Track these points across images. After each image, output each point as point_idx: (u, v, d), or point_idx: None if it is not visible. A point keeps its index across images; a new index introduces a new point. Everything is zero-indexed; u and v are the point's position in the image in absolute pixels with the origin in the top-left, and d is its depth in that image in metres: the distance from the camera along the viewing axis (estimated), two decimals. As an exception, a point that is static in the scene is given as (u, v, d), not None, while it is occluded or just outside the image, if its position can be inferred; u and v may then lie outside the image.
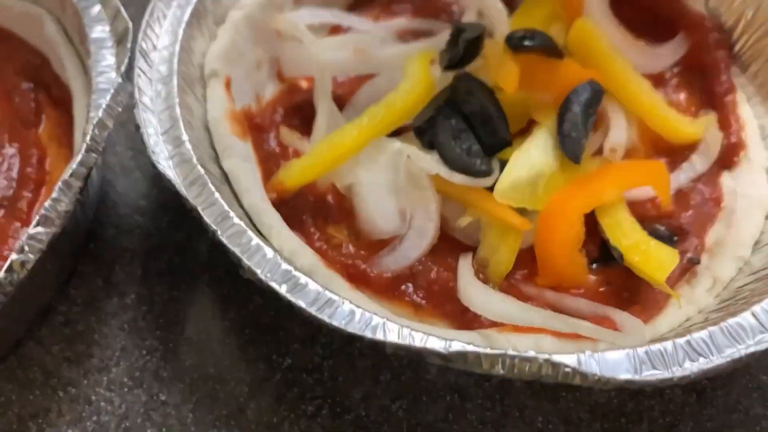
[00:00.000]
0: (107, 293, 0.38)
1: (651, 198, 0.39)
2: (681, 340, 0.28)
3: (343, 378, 0.36)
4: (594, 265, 0.37)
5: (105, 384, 0.35)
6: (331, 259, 0.36)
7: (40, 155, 0.41)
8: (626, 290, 0.36)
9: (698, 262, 0.37)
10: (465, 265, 0.36)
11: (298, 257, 0.34)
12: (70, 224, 0.32)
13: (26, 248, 0.29)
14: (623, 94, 0.40)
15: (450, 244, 0.37)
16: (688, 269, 0.37)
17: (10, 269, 0.29)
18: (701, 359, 0.27)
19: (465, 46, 0.38)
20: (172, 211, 0.41)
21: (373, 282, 0.36)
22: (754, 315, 0.29)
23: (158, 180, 0.42)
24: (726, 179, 0.40)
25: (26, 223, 0.38)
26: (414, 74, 0.39)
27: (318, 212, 0.38)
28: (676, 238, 0.38)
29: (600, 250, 0.37)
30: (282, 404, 0.35)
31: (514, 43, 0.37)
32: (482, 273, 0.37)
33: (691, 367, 0.27)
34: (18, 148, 0.41)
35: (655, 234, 0.37)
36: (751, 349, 0.27)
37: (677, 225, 0.38)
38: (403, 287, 0.36)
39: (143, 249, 0.39)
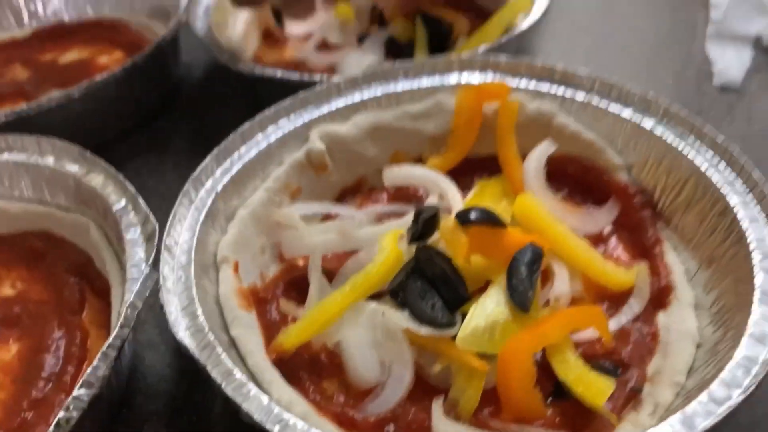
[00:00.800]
0: (136, 451, 0.44)
1: (597, 338, 0.46)
2: (610, 452, 0.33)
3: None
4: (550, 399, 0.43)
5: None
6: (323, 408, 0.42)
7: (83, 337, 0.49)
8: (579, 419, 0.41)
9: (640, 391, 0.42)
10: (437, 408, 0.42)
11: (294, 406, 0.40)
12: (107, 389, 0.39)
13: (71, 407, 0.36)
14: (564, 252, 0.48)
15: (425, 388, 0.43)
16: (632, 397, 0.42)
17: (57, 425, 0.36)
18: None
19: (423, 224, 0.47)
20: (192, 376, 0.48)
21: (360, 425, 0.42)
22: (670, 425, 0.34)
23: (179, 350, 0.49)
24: (661, 317, 0.46)
25: (70, 394, 0.46)
26: (386, 248, 0.47)
27: (313, 369, 0.45)
28: (620, 371, 0.44)
29: (554, 386, 0.43)
30: None
31: (462, 218, 0.46)
32: (454, 411, 0.42)
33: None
34: (65, 332, 0.49)
35: (601, 368, 0.43)
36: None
37: (620, 359, 0.44)
38: (386, 428, 0.42)
39: (167, 411, 0.45)
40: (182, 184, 0.49)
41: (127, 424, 0.45)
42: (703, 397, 0.35)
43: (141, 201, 0.48)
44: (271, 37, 0.81)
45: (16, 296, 0.52)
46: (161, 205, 0.49)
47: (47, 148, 0.54)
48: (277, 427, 0.35)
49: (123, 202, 0.49)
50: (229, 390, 0.37)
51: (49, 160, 0.54)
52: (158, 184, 0.65)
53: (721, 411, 0.34)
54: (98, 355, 0.39)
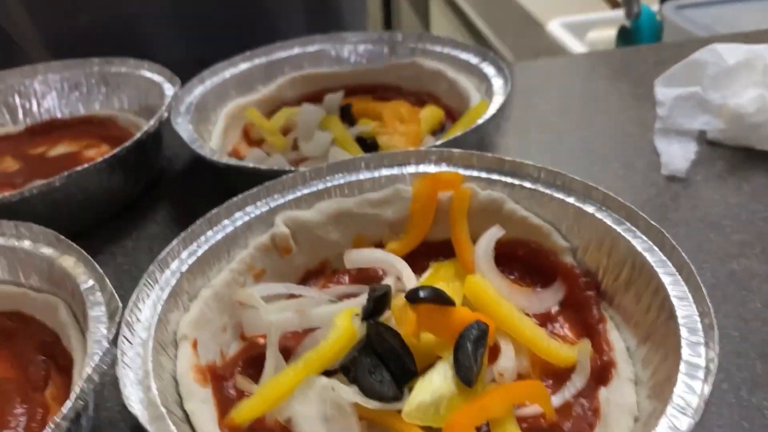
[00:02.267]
0: None
1: (541, 413, 0.47)
2: None
3: None
4: (494, 471, 0.44)
5: None
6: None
7: (44, 413, 0.50)
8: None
9: (581, 463, 0.44)
10: (384, 481, 0.43)
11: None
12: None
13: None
14: (510, 330, 0.50)
15: None
16: (573, 470, 0.44)
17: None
18: None
19: (375, 302, 0.49)
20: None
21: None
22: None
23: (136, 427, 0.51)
24: (602, 392, 0.48)
25: None
26: (339, 326, 0.49)
27: (264, 445, 0.47)
28: (559, 446, 0.45)
29: (498, 459, 0.44)
30: None
31: (411, 297, 0.49)
32: (400, 486, 0.43)
33: None
34: (26, 408, 0.50)
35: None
36: None
37: (563, 432, 0.46)
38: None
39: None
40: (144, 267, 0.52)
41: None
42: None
43: (107, 281, 0.50)
44: (249, 136, 0.87)
45: (-20, 374, 0.54)
46: (133, 286, 0.52)
47: (24, 232, 0.57)
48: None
49: (90, 282, 0.51)
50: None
51: (25, 244, 0.57)
52: (131, 266, 0.68)
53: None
54: (50, 425, 0.40)
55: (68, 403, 0.41)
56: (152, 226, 0.75)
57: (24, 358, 0.54)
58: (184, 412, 0.45)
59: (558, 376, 0.50)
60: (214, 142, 0.81)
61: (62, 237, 0.56)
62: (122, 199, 0.77)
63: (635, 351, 0.50)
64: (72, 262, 0.54)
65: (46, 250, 0.56)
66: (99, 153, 0.84)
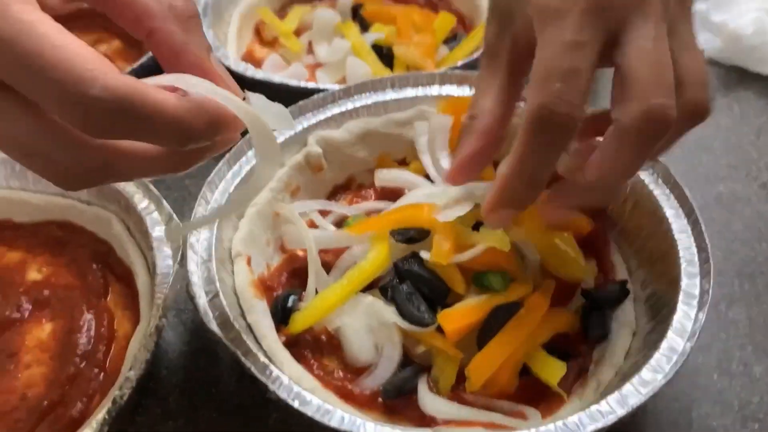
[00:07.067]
0: (164, 419, 0.51)
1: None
2: (560, 423, 0.42)
3: (339, 467, 0.49)
4: (515, 377, 0.52)
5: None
6: (326, 382, 0.50)
7: (110, 319, 0.55)
8: (536, 394, 0.51)
9: (587, 371, 0.52)
10: (422, 383, 0.51)
11: (303, 382, 0.49)
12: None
13: (123, 387, 0.44)
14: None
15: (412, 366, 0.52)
16: (580, 376, 0.52)
17: (114, 401, 0.43)
18: (572, 434, 0.42)
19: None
20: (208, 353, 0.55)
21: (357, 397, 0.50)
22: (607, 403, 0.44)
23: (196, 331, 0.57)
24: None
25: (103, 369, 0.52)
26: (376, 247, 0.55)
27: (315, 348, 0.53)
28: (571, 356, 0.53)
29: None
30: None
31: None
32: (435, 387, 0.51)
33: (565, 439, 0.41)
34: (94, 313, 0.55)
35: (556, 353, 0.52)
36: (601, 425, 0.42)
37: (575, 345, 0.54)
38: (379, 400, 0.51)
39: (189, 384, 0.53)
40: (197, 189, 0.56)
41: (153, 395, 0.53)
42: (635, 379, 0.45)
43: (164, 202, 0.54)
44: (261, 35, 0.87)
45: (43, 280, 0.58)
46: (176, 208, 0.56)
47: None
48: (296, 402, 0.44)
49: (146, 203, 0.55)
50: (256, 372, 0.45)
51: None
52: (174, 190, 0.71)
53: (647, 391, 0.44)
54: (142, 341, 0.46)
55: (155, 321, 0.46)
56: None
57: (81, 265, 0.59)
58: (247, 323, 0.51)
59: (563, 293, 0.57)
60: (231, 46, 0.81)
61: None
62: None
63: (635, 272, 0.57)
64: (122, 184, 0.57)
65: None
66: (111, 49, 0.84)
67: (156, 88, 0.33)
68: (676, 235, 0.54)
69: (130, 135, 0.33)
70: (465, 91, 0.66)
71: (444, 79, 0.67)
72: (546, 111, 0.38)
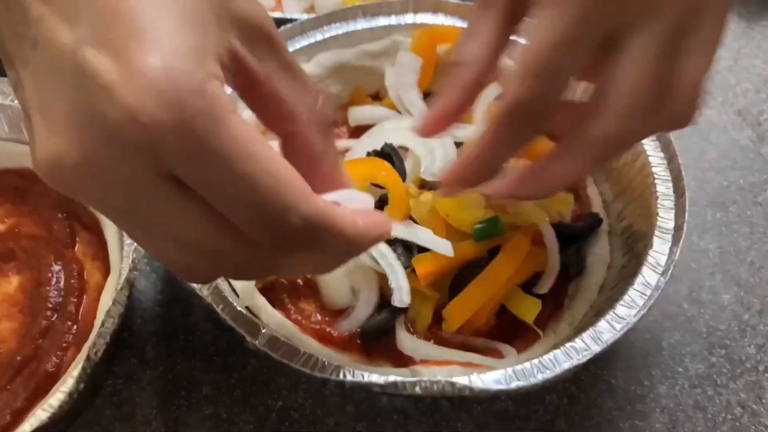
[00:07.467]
0: (142, 368, 0.51)
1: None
2: (535, 361, 0.43)
3: (320, 411, 0.49)
4: (490, 314, 0.52)
5: (148, 433, 0.49)
6: (304, 326, 0.50)
7: (79, 269, 0.54)
8: (511, 329, 0.51)
9: (562, 305, 0.53)
10: (399, 324, 0.51)
11: (281, 327, 0.49)
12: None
13: (97, 342, 0.43)
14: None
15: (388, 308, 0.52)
16: (555, 311, 0.53)
17: (88, 358, 0.43)
18: (547, 371, 0.42)
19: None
20: (182, 301, 0.54)
21: (335, 340, 0.50)
22: (582, 339, 0.44)
23: (169, 279, 0.56)
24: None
25: (75, 321, 0.50)
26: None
27: (292, 292, 0.53)
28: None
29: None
30: (277, 436, 0.49)
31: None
32: (412, 327, 0.51)
33: (540, 377, 0.42)
34: (62, 264, 0.54)
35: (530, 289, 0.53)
36: (576, 362, 0.42)
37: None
38: (357, 341, 0.51)
39: (164, 332, 0.53)
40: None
41: (130, 345, 0.52)
42: (609, 316, 0.45)
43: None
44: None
45: (7, 231, 0.56)
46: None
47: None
48: (279, 353, 0.43)
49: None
50: (232, 322, 0.44)
51: (26, 101, 0.56)
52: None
53: (621, 327, 0.44)
54: (112, 294, 0.45)
55: (125, 274, 0.45)
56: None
57: (45, 215, 0.56)
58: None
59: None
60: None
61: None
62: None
63: (611, 204, 0.57)
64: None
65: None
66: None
67: (341, 212, 0.31)
68: (653, 169, 0.53)
69: (309, 252, 0.33)
70: (440, 19, 0.63)
71: (418, 7, 0.64)
72: (527, 107, 0.36)
